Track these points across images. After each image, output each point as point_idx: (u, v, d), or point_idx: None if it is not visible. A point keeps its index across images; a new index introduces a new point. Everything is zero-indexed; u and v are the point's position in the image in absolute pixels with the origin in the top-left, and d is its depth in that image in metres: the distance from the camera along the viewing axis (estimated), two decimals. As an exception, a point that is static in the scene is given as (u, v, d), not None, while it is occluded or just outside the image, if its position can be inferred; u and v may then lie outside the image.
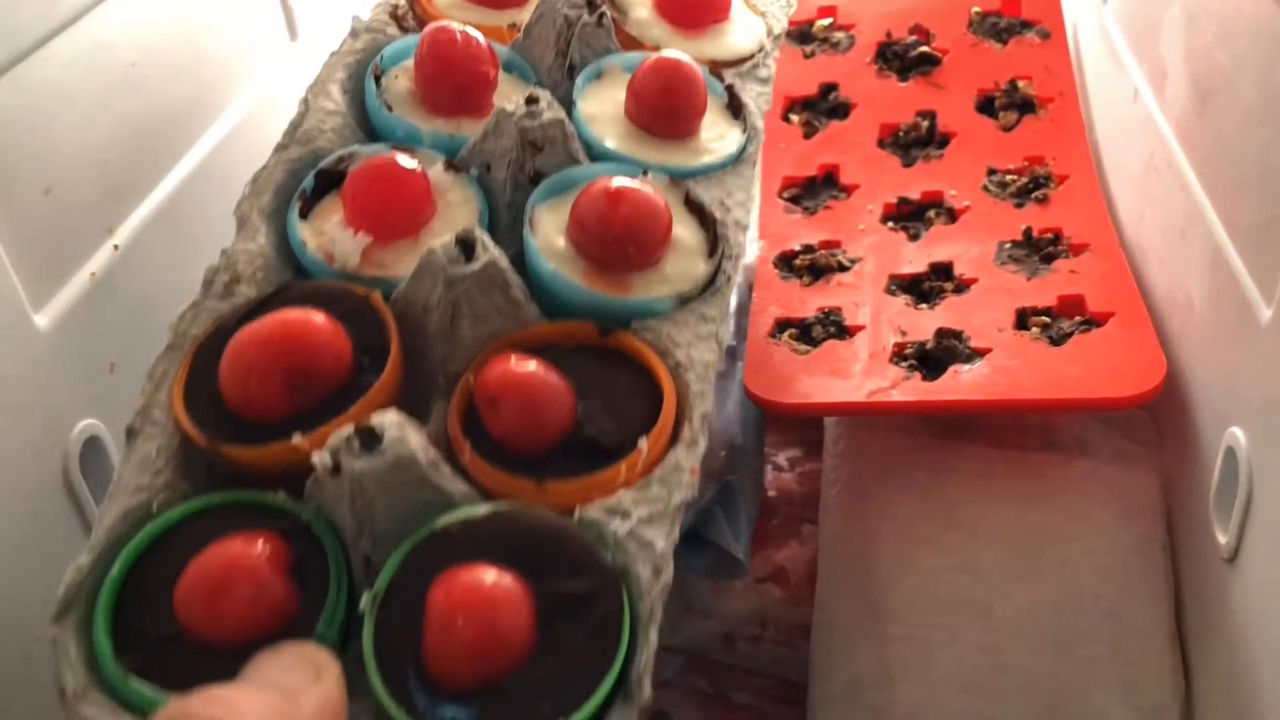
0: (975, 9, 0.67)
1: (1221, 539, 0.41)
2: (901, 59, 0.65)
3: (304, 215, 0.41)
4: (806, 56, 0.67)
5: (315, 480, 0.32)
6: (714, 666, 0.55)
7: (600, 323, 0.37)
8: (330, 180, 0.42)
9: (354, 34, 0.48)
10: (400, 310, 0.37)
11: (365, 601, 0.30)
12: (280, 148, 0.44)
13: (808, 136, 0.64)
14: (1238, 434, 0.40)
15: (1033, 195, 0.58)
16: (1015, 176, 0.59)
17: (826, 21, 0.68)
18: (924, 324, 0.51)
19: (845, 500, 0.51)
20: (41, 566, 0.43)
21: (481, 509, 0.32)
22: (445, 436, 0.35)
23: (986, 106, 0.63)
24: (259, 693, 0.24)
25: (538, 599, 0.29)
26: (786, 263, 0.58)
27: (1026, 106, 0.63)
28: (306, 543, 0.32)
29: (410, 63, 0.45)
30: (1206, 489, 0.42)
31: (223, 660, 0.28)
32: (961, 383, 0.47)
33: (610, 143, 0.43)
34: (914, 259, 0.56)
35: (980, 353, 0.48)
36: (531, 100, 0.40)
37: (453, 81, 0.44)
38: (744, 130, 0.45)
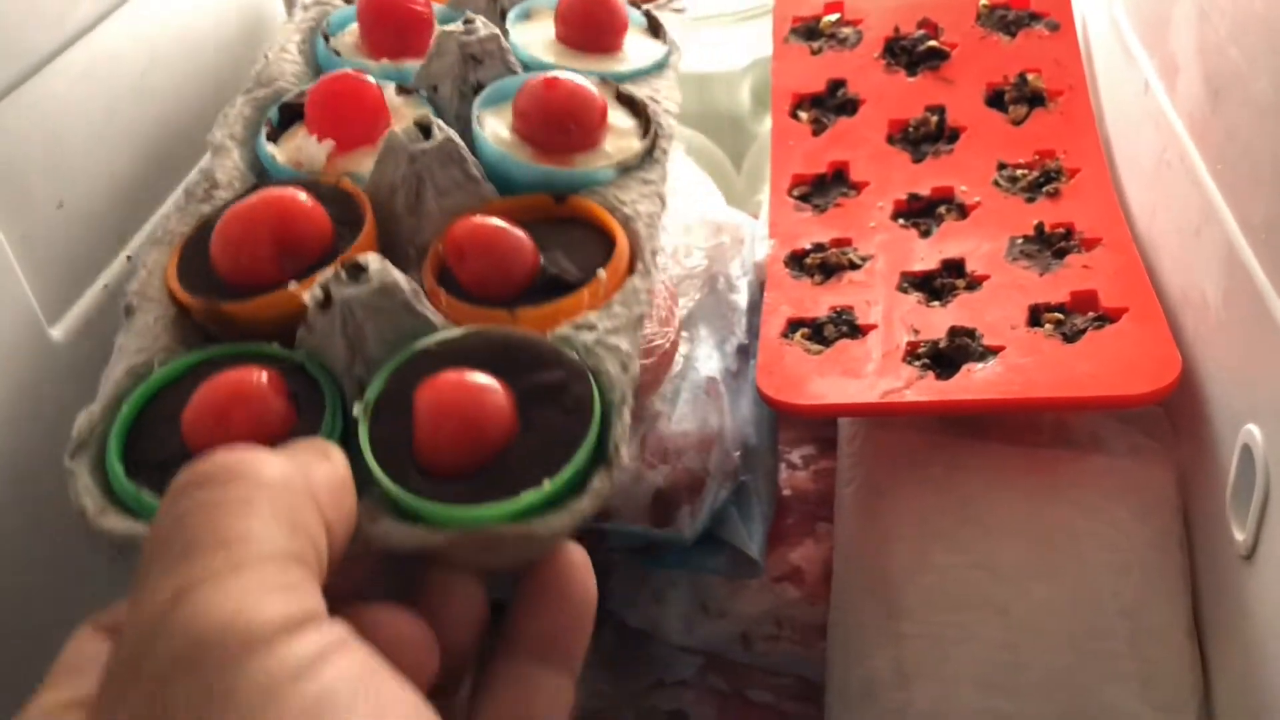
0: (983, 2, 0.66)
1: (1239, 536, 0.41)
2: (910, 54, 0.65)
3: (272, 141, 0.45)
4: (814, 53, 0.66)
5: (306, 325, 0.35)
6: (731, 666, 0.56)
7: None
8: (294, 112, 0.46)
9: (304, 6, 0.53)
10: (369, 194, 0.40)
11: (358, 409, 0.33)
12: (245, 90, 0.47)
13: (816, 134, 0.64)
14: (1254, 431, 0.39)
15: (1044, 189, 0.58)
16: (1026, 171, 0.59)
17: (833, 17, 0.67)
18: (936, 322, 0.51)
19: (860, 498, 0.51)
20: (57, 577, 0.43)
21: (458, 330, 0.35)
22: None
23: (996, 100, 0.63)
24: (273, 453, 0.26)
25: (515, 391, 0.32)
26: (797, 261, 0.58)
27: (1036, 100, 0.62)
28: (301, 380, 0.35)
29: (354, 26, 0.50)
30: (1223, 486, 0.42)
31: None
32: (975, 382, 0.47)
33: (543, 58, 0.48)
34: (925, 256, 0.55)
35: (993, 350, 0.48)
36: (468, 20, 0.45)
37: (393, 22, 0.48)
38: (664, 44, 0.51)
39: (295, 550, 0.24)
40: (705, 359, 0.58)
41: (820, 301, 0.54)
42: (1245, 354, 0.41)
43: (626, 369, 0.34)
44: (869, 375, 0.49)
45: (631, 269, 0.38)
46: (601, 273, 0.37)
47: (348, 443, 0.32)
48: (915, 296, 0.53)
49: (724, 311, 0.62)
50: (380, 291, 0.34)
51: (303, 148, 0.43)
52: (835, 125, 0.64)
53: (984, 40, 0.65)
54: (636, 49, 0.50)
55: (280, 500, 0.24)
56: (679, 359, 0.57)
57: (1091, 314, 0.50)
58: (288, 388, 0.34)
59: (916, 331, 0.51)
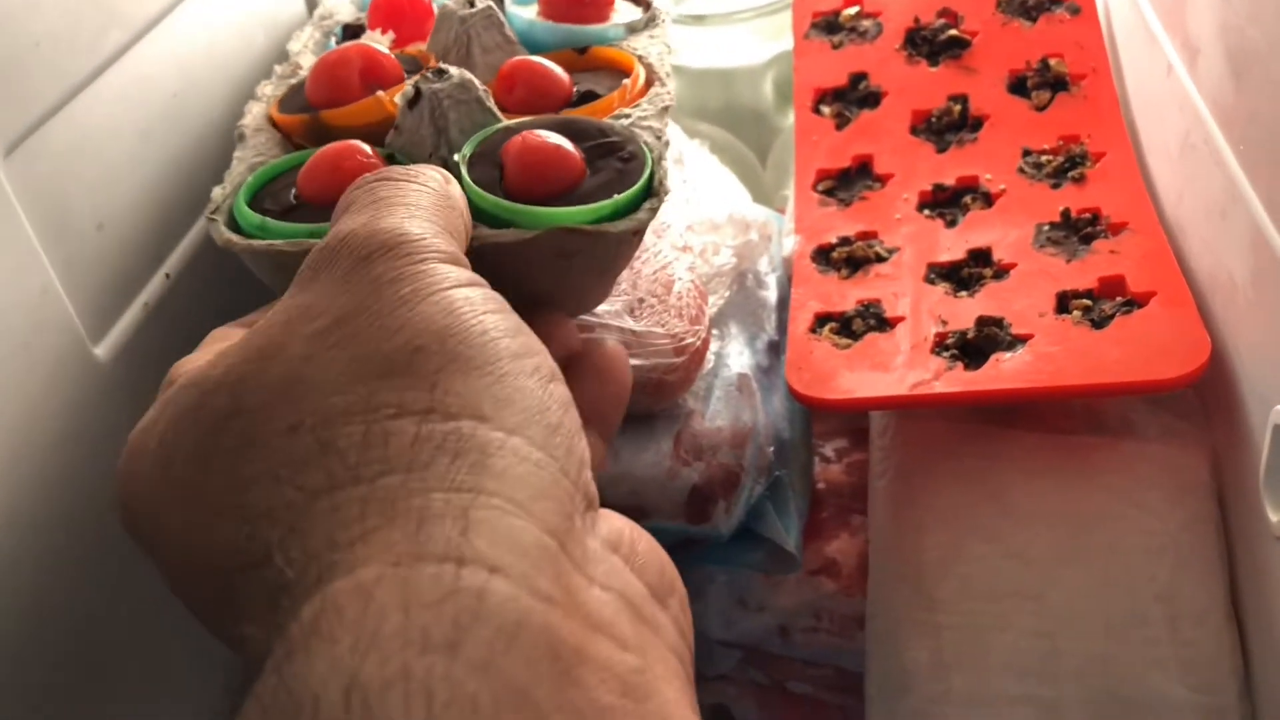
0: (1003, -12, 0.66)
1: (1273, 517, 0.41)
2: (931, 43, 0.65)
3: None
4: (835, 47, 0.67)
5: (395, 128, 0.44)
6: (771, 659, 0.56)
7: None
8: (353, 32, 0.56)
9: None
10: (422, 56, 0.50)
11: (458, 156, 0.42)
12: (311, 21, 0.59)
13: (839, 128, 0.64)
14: (1285, 412, 0.39)
15: (1069, 175, 0.58)
16: (1051, 157, 0.59)
17: (853, 10, 0.68)
18: (964, 312, 0.51)
19: (892, 490, 0.51)
20: (107, 595, 0.45)
21: (528, 118, 0.44)
22: None
23: (1019, 87, 0.63)
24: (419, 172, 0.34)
25: (582, 149, 0.41)
26: (824, 256, 0.58)
27: (1059, 84, 0.62)
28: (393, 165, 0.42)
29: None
30: (1256, 467, 0.42)
31: None
32: (1004, 371, 0.47)
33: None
34: (952, 246, 0.56)
35: (1022, 339, 0.49)
36: None
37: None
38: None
39: (454, 227, 0.32)
40: (736, 356, 0.59)
41: (848, 295, 0.54)
42: (1275, 334, 0.41)
43: (659, 138, 0.43)
44: (898, 368, 0.49)
45: (650, 85, 0.48)
46: (626, 82, 0.47)
47: None
48: (943, 287, 0.53)
49: (754, 308, 0.63)
50: (461, 85, 0.43)
51: (368, 40, 0.51)
52: (858, 119, 0.64)
53: (1005, 27, 0.65)
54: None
55: (441, 201, 0.33)
56: (710, 356, 0.57)
57: (1120, 299, 0.50)
58: (386, 157, 0.43)
59: (944, 322, 0.51)
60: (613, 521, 0.28)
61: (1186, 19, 0.51)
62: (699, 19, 0.81)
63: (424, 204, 0.32)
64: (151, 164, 0.51)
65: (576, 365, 0.36)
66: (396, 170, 0.33)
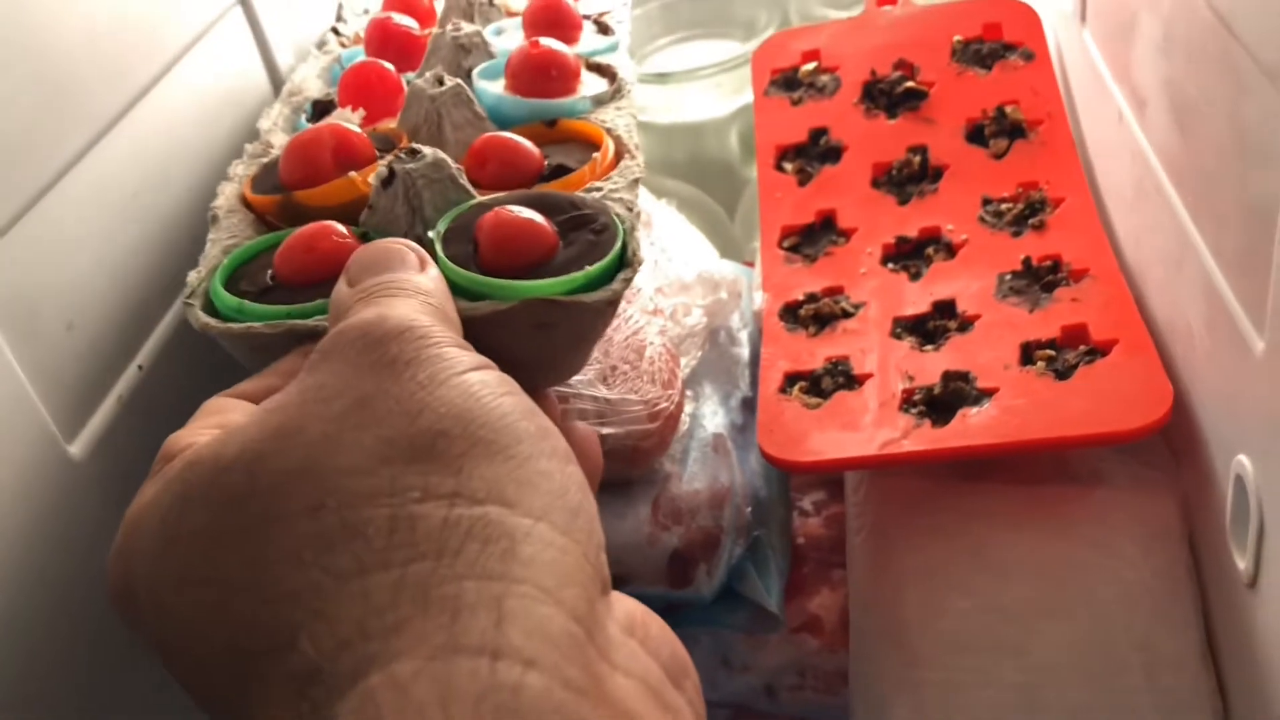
0: (956, 37, 0.67)
1: (1240, 564, 0.41)
2: (888, 96, 0.66)
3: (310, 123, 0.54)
4: (794, 103, 0.68)
5: (369, 207, 0.44)
6: (759, 717, 0.56)
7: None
8: (323, 108, 0.57)
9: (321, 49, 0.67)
10: (394, 134, 0.51)
11: (433, 234, 0.42)
12: (280, 98, 0.60)
13: (802, 184, 0.65)
14: (1245, 462, 0.40)
15: (1029, 222, 0.59)
16: (1010, 204, 0.60)
17: (811, 66, 0.69)
18: (930, 366, 0.52)
19: (869, 547, 0.52)
20: (87, 690, 0.44)
21: (503, 193, 0.45)
22: None
23: (976, 135, 0.64)
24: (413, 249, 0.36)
25: (555, 222, 0.42)
26: (792, 313, 0.59)
27: (1016, 131, 0.63)
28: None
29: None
30: (1223, 514, 0.43)
31: (313, 295, 0.41)
32: (971, 426, 0.47)
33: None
34: (916, 299, 0.56)
35: (988, 393, 0.49)
36: (455, 25, 0.57)
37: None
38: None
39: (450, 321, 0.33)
40: (711, 416, 0.59)
41: (816, 353, 0.55)
42: (1230, 385, 0.42)
43: (631, 209, 0.44)
44: (867, 427, 0.49)
45: (620, 158, 0.49)
46: (596, 155, 0.48)
47: None
48: (909, 341, 0.54)
49: (727, 366, 0.63)
50: (434, 164, 0.44)
51: (339, 118, 0.52)
52: (820, 174, 0.65)
53: (961, 76, 0.66)
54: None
55: (438, 290, 0.34)
56: (685, 418, 0.58)
57: (1083, 348, 0.50)
58: (360, 235, 0.44)
59: (911, 378, 0.51)
60: (625, 604, 0.28)
61: (1132, 69, 0.52)
62: (662, 77, 0.82)
63: (425, 292, 0.33)
64: (120, 257, 0.51)
65: None
66: (392, 256, 0.35)
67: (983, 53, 0.67)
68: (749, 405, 0.61)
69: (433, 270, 0.36)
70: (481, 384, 0.28)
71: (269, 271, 0.44)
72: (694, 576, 0.54)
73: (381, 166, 0.45)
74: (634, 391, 0.53)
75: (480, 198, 0.46)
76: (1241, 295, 0.40)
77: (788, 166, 0.66)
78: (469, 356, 0.30)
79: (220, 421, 0.32)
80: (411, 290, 0.33)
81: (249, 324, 0.41)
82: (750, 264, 0.69)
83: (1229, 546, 0.42)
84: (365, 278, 0.34)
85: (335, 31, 0.71)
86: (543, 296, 0.40)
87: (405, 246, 0.36)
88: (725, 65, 0.81)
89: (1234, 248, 0.41)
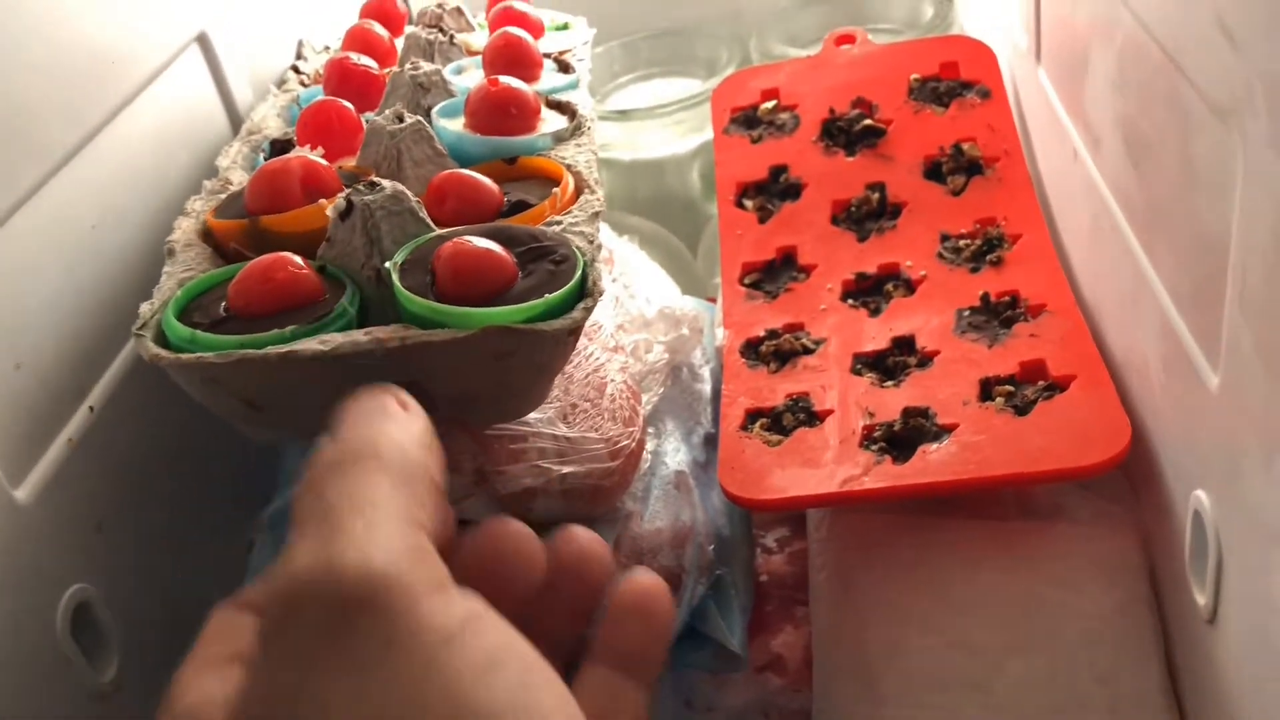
0: (914, 75, 0.68)
1: (1200, 600, 0.41)
2: (847, 134, 0.67)
3: None
4: (754, 141, 0.68)
5: (327, 240, 0.44)
6: (723, 758, 0.55)
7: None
8: (282, 147, 0.56)
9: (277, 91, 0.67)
10: (359, 171, 0.51)
11: (390, 264, 0.42)
12: (239, 137, 0.59)
13: (763, 221, 0.65)
14: (1202, 497, 0.40)
15: (987, 258, 0.59)
16: (969, 241, 0.60)
17: (770, 104, 0.69)
18: (890, 403, 0.52)
19: (832, 585, 0.52)
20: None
21: (463, 227, 0.45)
22: None
23: (934, 172, 0.64)
24: (385, 425, 0.31)
25: (514, 253, 0.42)
26: (753, 350, 0.59)
27: (974, 168, 0.64)
28: (326, 277, 0.44)
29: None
30: (1182, 549, 0.43)
31: (267, 325, 0.41)
32: (931, 464, 0.47)
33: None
34: (876, 335, 0.56)
35: (948, 429, 0.49)
36: (414, 64, 0.58)
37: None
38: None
39: (418, 516, 0.28)
40: (673, 453, 0.59)
41: (777, 390, 0.55)
42: (1187, 421, 0.42)
43: (591, 241, 0.45)
44: (828, 464, 0.49)
45: (579, 193, 0.49)
46: (556, 190, 0.48)
47: (366, 314, 0.43)
48: (869, 378, 0.54)
49: (689, 402, 0.63)
50: (393, 197, 0.44)
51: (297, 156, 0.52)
52: (780, 211, 0.65)
53: (918, 114, 0.67)
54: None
55: (399, 470, 0.29)
56: (647, 456, 0.57)
57: (1041, 383, 0.51)
58: (318, 268, 0.44)
59: (871, 414, 0.51)
60: None
61: (1086, 107, 0.53)
62: (623, 114, 0.83)
63: (384, 492, 0.28)
64: (73, 295, 0.50)
65: (616, 602, 0.33)
66: (357, 442, 0.29)
67: (940, 91, 0.67)
68: (711, 442, 0.61)
69: (415, 416, 0.32)
70: (468, 668, 0.25)
71: (223, 303, 0.44)
72: (656, 616, 0.53)
73: (340, 199, 0.45)
74: (595, 429, 0.53)
75: (439, 231, 0.45)
76: (1196, 330, 0.40)
77: (748, 203, 0.66)
78: (444, 613, 0.26)
79: (231, 652, 0.29)
80: (361, 496, 0.27)
81: (200, 354, 0.41)
82: (713, 300, 0.69)
83: (1189, 581, 0.42)
84: (339, 440, 0.30)
85: (295, 70, 0.71)
86: (501, 324, 0.40)
87: (383, 395, 0.32)
88: (686, 103, 0.81)
89: (1188, 283, 0.41)
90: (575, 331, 0.42)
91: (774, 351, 0.57)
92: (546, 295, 0.41)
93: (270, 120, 0.63)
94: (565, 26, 0.74)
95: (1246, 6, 0.32)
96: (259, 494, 0.56)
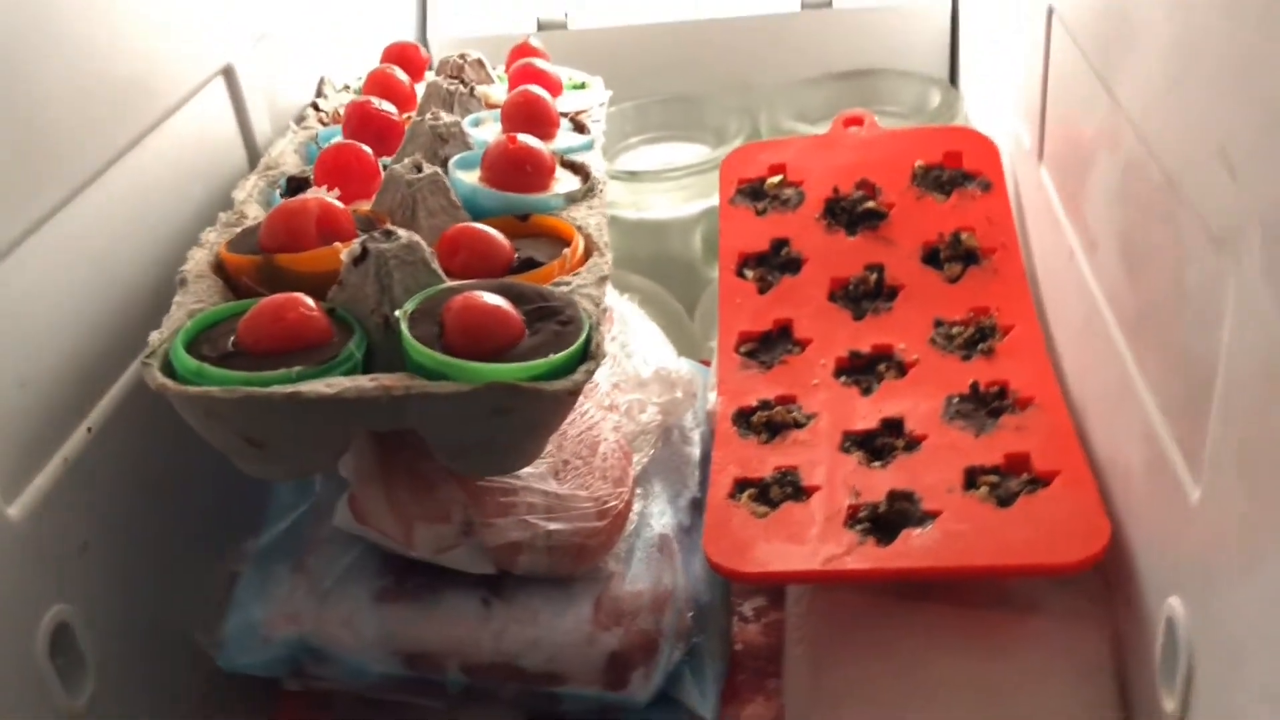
0: (919, 163, 0.70)
1: (1168, 706, 0.42)
2: (849, 214, 0.68)
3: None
4: (759, 214, 0.69)
5: (339, 283, 0.45)
6: (686, 825, 0.55)
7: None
8: (298, 184, 0.58)
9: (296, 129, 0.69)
10: (375, 216, 0.52)
11: (400, 313, 0.43)
12: (257, 171, 0.61)
13: (762, 291, 0.66)
14: (1176, 605, 0.41)
15: (979, 347, 0.60)
16: (962, 328, 0.62)
17: (777, 179, 0.71)
18: (877, 484, 0.53)
19: (807, 660, 0.52)
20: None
21: (473, 280, 0.46)
22: None
23: (932, 258, 0.66)
24: None
25: (522, 311, 0.44)
26: (745, 419, 0.60)
27: (970, 257, 0.65)
28: (335, 320, 0.45)
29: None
30: (1153, 654, 0.44)
31: (275, 364, 0.42)
32: (913, 548, 0.48)
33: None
34: (866, 415, 0.57)
35: (931, 515, 0.50)
36: (434, 115, 0.60)
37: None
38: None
39: None
40: (659, 515, 0.59)
41: (766, 461, 0.56)
42: (1166, 528, 0.43)
43: (598, 304, 0.46)
44: (811, 540, 0.50)
45: (589, 255, 0.51)
46: (566, 251, 0.50)
47: (372, 359, 0.44)
48: (857, 456, 0.55)
49: (678, 464, 0.64)
50: (408, 247, 0.45)
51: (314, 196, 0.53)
52: (780, 284, 0.66)
53: (920, 200, 0.68)
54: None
55: None
56: (633, 517, 0.58)
57: (1025, 476, 0.52)
58: (327, 311, 0.45)
59: (858, 494, 0.52)
60: None
61: (1085, 211, 0.55)
62: (633, 175, 0.84)
63: None
64: (82, 317, 0.51)
65: None
66: None
67: (942, 179, 0.69)
68: (697, 506, 0.61)
69: None
70: None
71: (231, 338, 0.44)
72: (630, 680, 0.53)
73: (355, 244, 0.46)
74: (584, 488, 0.54)
75: (451, 283, 0.46)
76: (1180, 442, 0.42)
77: (749, 274, 0.67)
78: None
79: None
80: None
81: (205, 388, 0.42)
82: (707, 362, 0.70)
83: (1158, 687, 0.43)
84: None
85: (315, 107, 0.72)
86: (504, 381, 0.41)
87: None
88: (693, 169, 0.83)
89: (1174, 396, 0.42)
90: (575, 393, 0.43)
91: (766, 422, 0.58)
92: (550, 355, 0.43)
93: (288, 156, 0.64)
94: (583, 86, 0.76)
95: (1250, 140, 0.34)
96: (246, 525, 0.56)
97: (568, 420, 0.55)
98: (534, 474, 0.53)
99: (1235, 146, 0.35)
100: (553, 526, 0.52)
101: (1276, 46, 0.32)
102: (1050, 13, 0.60)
